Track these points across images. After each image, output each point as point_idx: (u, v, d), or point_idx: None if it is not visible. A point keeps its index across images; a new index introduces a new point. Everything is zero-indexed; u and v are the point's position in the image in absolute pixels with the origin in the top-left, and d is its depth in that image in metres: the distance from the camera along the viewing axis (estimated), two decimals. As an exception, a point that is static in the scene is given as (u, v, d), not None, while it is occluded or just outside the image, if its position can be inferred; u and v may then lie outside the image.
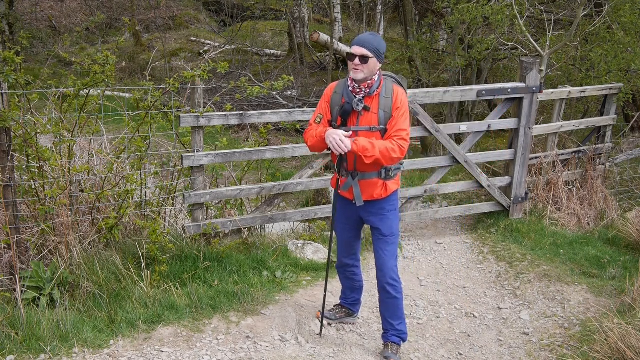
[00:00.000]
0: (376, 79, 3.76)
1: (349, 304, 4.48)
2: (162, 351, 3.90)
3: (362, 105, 3.72)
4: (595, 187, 6.71)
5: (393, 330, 4.07)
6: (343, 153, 3.67)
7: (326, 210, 5.67)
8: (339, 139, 3.62)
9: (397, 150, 3.69)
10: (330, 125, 3.83)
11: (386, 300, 4.02)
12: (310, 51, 15.18)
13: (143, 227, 4.82)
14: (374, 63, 3.68)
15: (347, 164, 3.84)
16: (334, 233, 4.16)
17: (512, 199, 6.32)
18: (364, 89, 3.73)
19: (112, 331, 4.01)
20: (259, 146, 5.48)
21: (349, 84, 3.78)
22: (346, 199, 3.97)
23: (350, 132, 3.71)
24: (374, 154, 3.66)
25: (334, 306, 4.52)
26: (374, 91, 3.75)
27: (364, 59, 3.64)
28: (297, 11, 13.73)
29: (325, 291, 4.26)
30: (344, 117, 3.77)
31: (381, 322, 4.15)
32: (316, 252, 5.33)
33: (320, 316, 4.31)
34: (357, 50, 3.65)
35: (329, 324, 4.41)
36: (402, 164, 3.98)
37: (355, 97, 3.73)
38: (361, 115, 3.75)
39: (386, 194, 3.91)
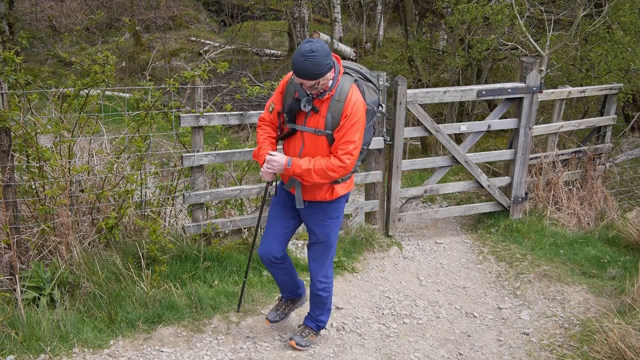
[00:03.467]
0: (330, 83, 3.46)
1: (291, 294, 4.20)
2: (162, 351, 3.90)
3: (310, 107, 3.49)
4: (595, 187, 6.71)
5: (313, 318, 4.12)
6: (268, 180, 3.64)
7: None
8: (267, 169, 3.56)
9: (337, 170, 3.47)
10: (281, 118, 3.65)
11: (315, 297, 4.03)
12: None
13: (143, 227, 4.82)
14: (325, 79, 3.39)
15: None
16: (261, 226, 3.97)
17: (512, 199, 6.32)
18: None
19: (112, 331, 4.01)
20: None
21: None
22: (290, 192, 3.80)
23: (284, 158, 3.55)
24: (308, 179, 3.51)
25: (276, 304, 4.24)
26: (325, 94, 3.48)
27: (312, 86, 3.39)
28: (297, 11, 13.72)
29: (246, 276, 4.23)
30: (290, 113, 3.57)
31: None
32: (316, 252, 5.33)
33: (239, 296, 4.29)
34: (300, 81, 3.39)
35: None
36: (355, 169, 3.67)
37: (307, 95, 3.49)
38: (309, 116, 3.53)
39: (331, 198, 3.70)
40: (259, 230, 4.07)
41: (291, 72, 3.58)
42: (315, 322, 4.13)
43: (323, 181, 3.54)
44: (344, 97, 3.45)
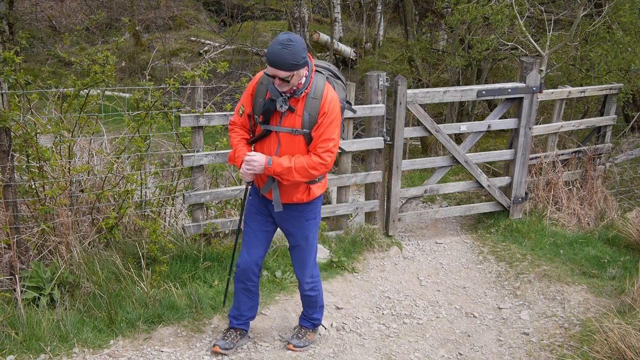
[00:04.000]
0: (304, 81, 3.41)
1: (242, 324, 4.02)
2: (162, 351, 3.90)
3: (287, 107, 3.42)
4: (595, 187, 6.71)
5: (307, 317, 4.12)
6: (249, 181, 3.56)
7: (326, 210, 5.67)
8: (247, 169, 3.47)
9: (318, 167, 3.44)
10: (253, 119, 3.56)
11: (305, 297, 4.02)
12: (310, 51, 15.18)
13: (143, 227, 4.82)
14: (298, 74, 3.35)
15: None
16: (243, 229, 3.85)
17: (512, 199, 6.32)
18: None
19: (112, 331, 4.01)
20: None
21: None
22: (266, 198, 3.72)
23: (264, 157, 3.47)
24: (289, 178, 3.44)
25: (224, 332, 4.03)
26: (300, 92, 3.43)
27: (284, 79, 3.33)
28: (297, 11, 13.71)
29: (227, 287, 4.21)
30: (265, 115, 3.48)
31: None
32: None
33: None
34: (274, 72, 3.31)
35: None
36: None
37: (281, 95, 3.42)
38: (284, 116, 3.46)
39: (308, 199, 3.66)
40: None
41: (260, 74, 3.58)
42: (310, 320, 4.13)
43: (303, 180, 3.49)
44: (320, 95, 3.42)
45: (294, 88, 3.41)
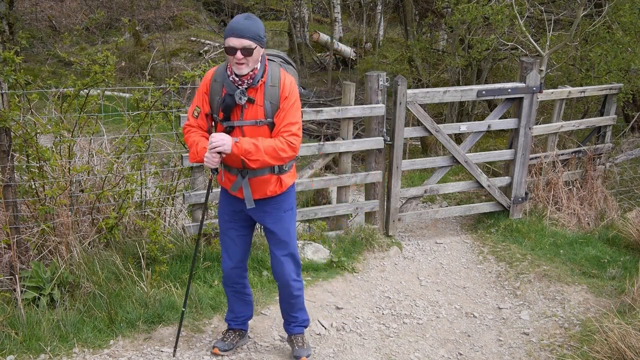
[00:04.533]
0: (259, 66, 3.34)
1: (240, 324, 3.99)
2: (162, 351, 3.90)
3: (246, 98, 3.32)
4: (595, 187, 6.71)
5: (295, 322, 3.92)
6: (215, 167, 3.32)
7: (326, 210, 5.67)
8: (214, 146, 3.24)
9: (287, 149, 3.34)
10: (212, 119, 3.45)
11: (290, 300, 3.82)
12: (310, 51, 15.19)
13: (143, 227, 4.82)
14: (258, 52, 3.26)
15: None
16: (219, 236, 3.70)
17: (512, 199, 6.32)
18: (246, 81, 3.33)
19: (112, 331, 4.01)
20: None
21: (228, 74, 3.36)
22: (237, 198, 3.58)
23: (229, 137, 3.30)
24: (258, 157, 3.30)
25: (224, 333, 4.00)
26: (257, 81, 3.34)
27: (246, 51, 3.21)
28: (297, 11, 13.73)
29: (184, 305, 4.07)
30: (226, 111, 3.36)
31: (281, 314, 3.96)
32: (316, 252, 5.33)
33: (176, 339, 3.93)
34: (237, 42, 3.20)
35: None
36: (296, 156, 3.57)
37: (238, 88, 3.33)
38: (245, 109, 3.36)
39: (282, 190, 3.55)
40: (205, 217, 3.89)
41: (210, 72, 3.47)
42: (303, 325, 3.98)
43: (272, 161, 3.35)
44: (277, 81, 3.37)
45: (251, 75, 3.31)
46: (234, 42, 3.21)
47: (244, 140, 3.31)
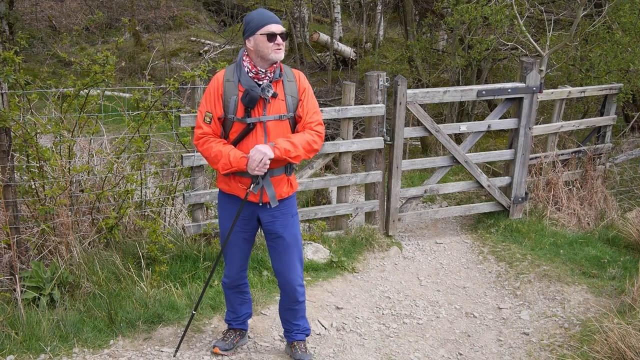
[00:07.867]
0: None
1: (241, 323, 3.99)
2: (162, 351, 3.90)
3: (272, 92, 3.33)
4: (595, 187, 6.71)
5: (297, 330, 3.88)
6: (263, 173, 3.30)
7: (326, 210, 5.67)
8: (261, 160, 3.24)
9: (317, 140, 3.41)
10: (225, 119, 3.39)
11: (293, 307, 3.77)
12: (310, 51, 15.18)
13: (143, 227, 4.83)
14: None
15: None
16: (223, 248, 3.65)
17: (512, 199, 6.32)
18: (269, 74, 3.34)
19: (112, 331, 4.01)
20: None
21: (247, 70, 3.35)
22: (247, 202, 3.50)
23: (264, 145, 3.28)
24: (298, 153, 3.33)
25: (224, 333, 4.01)
26: (279, 75, 3.38)
27: (284, 36, 3.31)
28: (297, 11, 13.72)
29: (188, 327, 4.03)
30: (250, 105, 3.31)
31: (281, 323, 3.93)
32: (316, 252, 5.34)
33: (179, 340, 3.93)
34: (277, 28, 3.29)
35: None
36: None
37: (262, 83, 3.33)
38: (269, 103, 3.34)
39: (292, 191, 3.57)
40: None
41: (222, 74, 3.42)
42: (305, 332, 3.94)
43: (307, 155, 3.40)
44: (292, 76, 3.46)
45: (274, 65, 3.35)
46: (275, 28, 3.29)
47: (279, 140, 3.34)
